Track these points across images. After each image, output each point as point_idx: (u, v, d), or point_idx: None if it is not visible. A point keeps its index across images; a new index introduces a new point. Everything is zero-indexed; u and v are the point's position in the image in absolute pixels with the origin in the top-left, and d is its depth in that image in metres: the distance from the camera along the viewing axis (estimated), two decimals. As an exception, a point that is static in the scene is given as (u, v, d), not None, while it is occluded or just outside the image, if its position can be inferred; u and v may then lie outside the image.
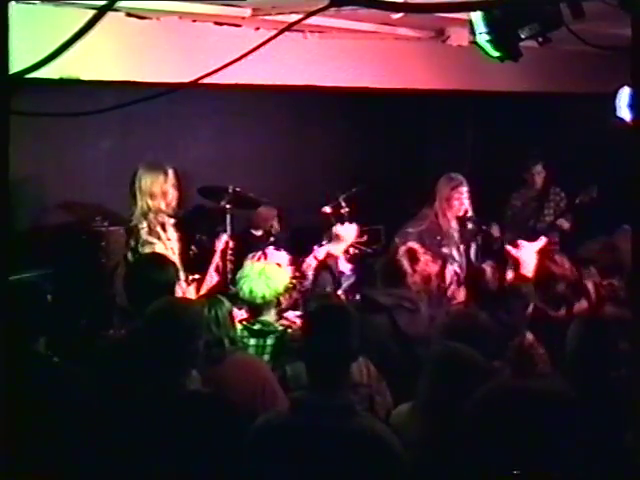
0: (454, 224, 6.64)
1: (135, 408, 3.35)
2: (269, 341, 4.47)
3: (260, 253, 6.49)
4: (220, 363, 3.92)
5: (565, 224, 7.68)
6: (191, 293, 5.50)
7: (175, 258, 5.41)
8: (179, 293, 5.07)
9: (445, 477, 3.05)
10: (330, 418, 3.02)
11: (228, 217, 6.43)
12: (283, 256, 6.38)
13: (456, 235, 6.65)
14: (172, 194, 5.52)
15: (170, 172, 5.53)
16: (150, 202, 5.43)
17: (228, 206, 6.45)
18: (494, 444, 2.49)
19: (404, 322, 4.71)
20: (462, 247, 6.69)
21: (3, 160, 1.82)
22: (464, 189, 6.59)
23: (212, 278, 5.75)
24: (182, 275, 5.44)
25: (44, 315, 3.57)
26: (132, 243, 5.41)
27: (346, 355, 3.18)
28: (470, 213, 6.66)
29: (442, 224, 6.58)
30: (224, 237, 6.11)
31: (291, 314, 4.98)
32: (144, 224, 5.40)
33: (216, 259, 5.93)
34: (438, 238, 6.53)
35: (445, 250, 6.53)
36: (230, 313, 4.13)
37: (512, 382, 3.01)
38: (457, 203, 6.58)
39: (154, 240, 5.38)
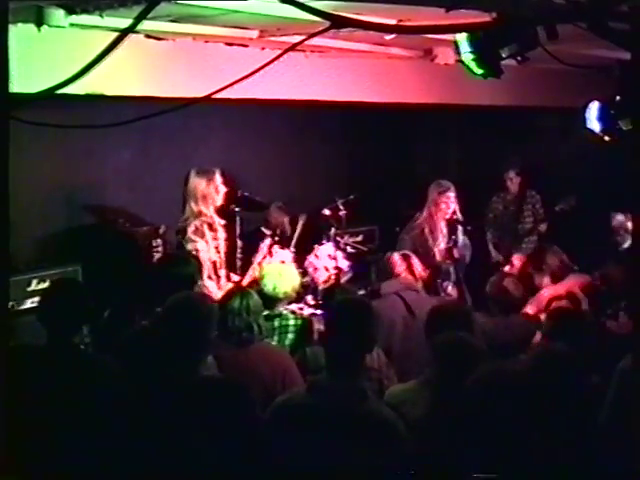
0: (443, 225, 6.62)
1: (153, 393, 3.35)
2: (276, 323, 4.65)
3: (266, 251, 6.50)
4: (248, 347, 4.01)
5: (544, 227, 7.84)
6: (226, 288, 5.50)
7: (215, 256, 5.46)
8: (209, 287, 5.24)
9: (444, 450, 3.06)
10: (344, 400, 3.05)
11: (238, 218, 6.43)
12: (287, 254, 6.39)
13: (445, 235, 6.63)
14: (215, 197, 5.53)
15: (216, 176, 5.54)
16: (194, 205, 5.46)
17: (237, 209, 6.45)
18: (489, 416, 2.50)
19: (411, 299, 4.98)
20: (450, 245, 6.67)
21: (3, 166, 1.82)
22: (451, 194, 6.56)
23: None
24: (223, 272, 5.53)
25: (78, 307, 3.58)
26: (180, 239, 5.44)
27: (363, 346, 3.21)
28: (458, 215, 6.65)
29: (432, 226, 6.57)
30: (267, 240, 6.06)
31: (294, 306, 5.09)
32: (192, 224, 5.41)
33: (259, 258, 5.89)
34: (429, 240, 6.54)
35: (436, 250, 6.54)
36: (259, 304, 4.20)
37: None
38: (444, 207, 6.57)
39: (197, 238, 5.38)
